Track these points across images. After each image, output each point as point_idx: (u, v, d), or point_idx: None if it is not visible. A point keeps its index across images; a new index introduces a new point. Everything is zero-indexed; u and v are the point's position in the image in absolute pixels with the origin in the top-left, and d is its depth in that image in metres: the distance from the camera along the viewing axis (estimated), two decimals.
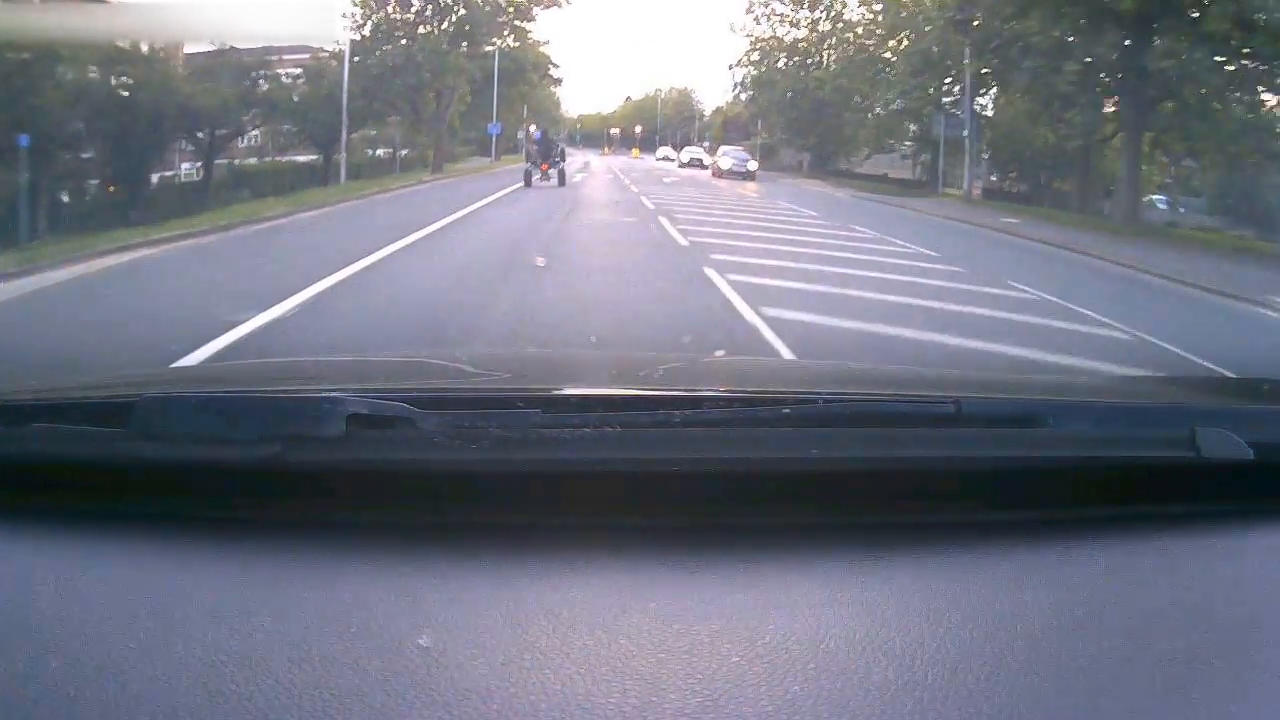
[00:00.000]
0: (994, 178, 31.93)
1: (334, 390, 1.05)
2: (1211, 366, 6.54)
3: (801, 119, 39.54)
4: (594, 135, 65.89)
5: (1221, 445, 1.02)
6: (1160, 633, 0.82)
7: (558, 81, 45.41)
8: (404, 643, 0.77)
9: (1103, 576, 0.91)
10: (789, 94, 39.83)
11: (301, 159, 26.08)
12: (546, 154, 21.23)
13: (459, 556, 0.90)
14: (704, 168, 39.42)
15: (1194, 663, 0.78)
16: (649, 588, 0.86)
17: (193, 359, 5.31)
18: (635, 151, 56.45)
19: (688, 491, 0.98)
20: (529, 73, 39.19)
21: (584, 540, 0.92)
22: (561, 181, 21.32)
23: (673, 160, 48.69)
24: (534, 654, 0.76)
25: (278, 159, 27.15)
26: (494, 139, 39.15)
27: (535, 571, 0.87)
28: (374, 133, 32.49)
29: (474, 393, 1.26)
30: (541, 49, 38.77)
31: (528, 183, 20.54)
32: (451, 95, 31.79)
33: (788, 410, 1.02)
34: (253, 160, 27.24)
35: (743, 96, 45.94)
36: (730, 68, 42.42)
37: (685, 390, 1.26)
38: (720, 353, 5.60)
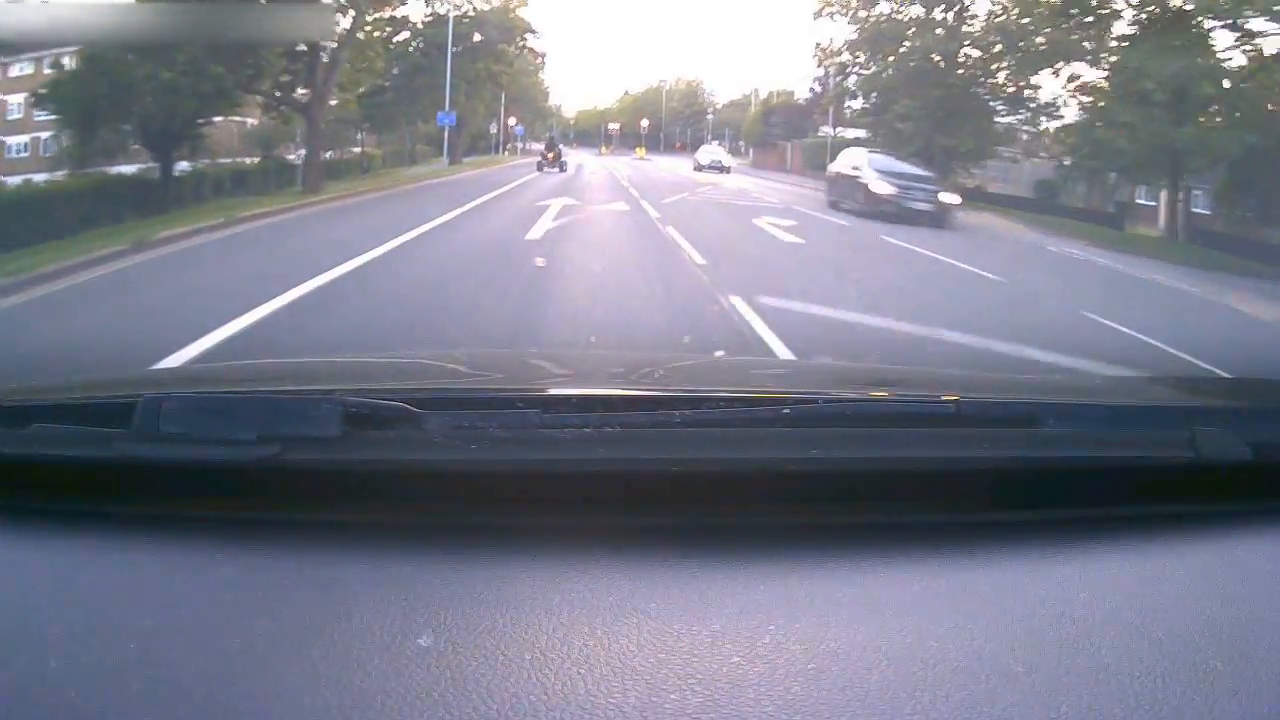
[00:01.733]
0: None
1: (334, 390, 1.05)
2: None
3: (947, 103, 21.50)
4: (589, 133, 53.33)
5: (1221, 445, 1.02)
6: (1161, 633, 0.82)
7: (540, 58, 33.08)
8: (404, 643, 0.77)
9: (1103, 577, 0.91)
10: (912, 63, 22.54)
11: (134, 169, 15.32)
12: (552, 148, 26.85)
13: (459, 556, 0.90)
14: (939, 204, 16.40)
15: (1195, 663, 0.78)
16: (649, 588, 0.86)
17: None
18: (640, 150, 42.74)
19: (688, 491, 0.98)
20: (501, 45, 27.40)
21: (584, 540, 0.92)
22: (563, 170, 25.31)
23: (725, 169, 29.02)
24: (534, 654, 0.76)
25: (82, 172, 15.27)
26: (446, 133, 26.29)
27: (535, 571, 0.87)
28: (250, 122, 20.16)
29: (474, 393, 1.26)
30: (517, 11, 27.16)
31: (540, 169, 24.82)
32: (336, 58, 18.10)
33: (788, 410, 1.02)
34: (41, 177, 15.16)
35: (824, 69, 27.48)
36: (815, 16, 23.54)
37: (685, 390, 1.26)
38: (720, 353, 5.59)
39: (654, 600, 0.84)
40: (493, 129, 36.34)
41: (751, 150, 40.50)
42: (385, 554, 0.89)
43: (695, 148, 41.59)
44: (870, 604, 0.84)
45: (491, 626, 0.79)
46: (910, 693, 0.73)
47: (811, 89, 32.64)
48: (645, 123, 50.69)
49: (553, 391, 1.17)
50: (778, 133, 35.01)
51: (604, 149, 45.50)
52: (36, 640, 0.77)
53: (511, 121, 37.83)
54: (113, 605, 0.82)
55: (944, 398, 1.11)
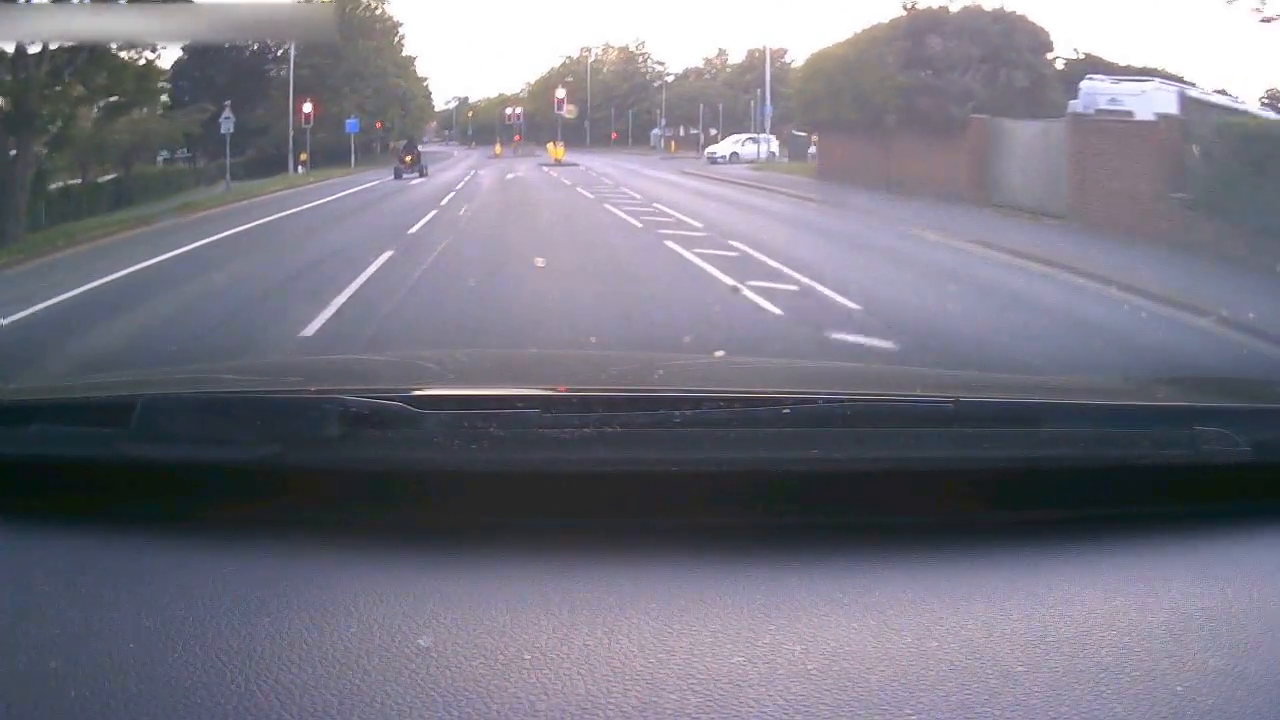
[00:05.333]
0: None
1: (334, 390, 1.05)
2: None
3: None
4: (494, 127, 36.98)
5: (1221, 445, 1.02)
6: (1161, 632, 0.82)
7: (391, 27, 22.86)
8: (404, 643, 0.77)
9: (1103, 577, 0.91)
10: None
11: None
12: (410, 151, 24.49)
13: (459, 556, 0.90)
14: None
15: (1195, 662, 0.78)
16: (649, 588, 0.86)
17: None
18: (556, 149, 27.53)
19: (688, 491, 0.98)
20: None
21: (584, 540, 0.92)
22: (422, 174, 23.09)
23: None
24: (534, 654, 0.76)
25: None
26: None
27: (535, 571, 0.87)
28: None
29: (474, 393, 1.26)
30: None
31: (397, 176, 22.61)
32: None
33: (788, 410, 1.02)
34: None
35: None
36: None
37: (685, 390, 1.26)
38: (720, 353, 5.58)
39: (654, 600, 0.84)
40: (224, 125, 18.85)
41: (814, 142, 21.55)
42: (385, 554, 0.89)
43: (640, 139, 29.44)
44: (870, 604, 0.84)
45: (491, 626, 0.79)
46: (910, 693, 0.73)
47: None
48: (562, 95, 30.71)
49: (553, 391, 1.17)
50: (950, 92, 13.97)
51: (499, 147, 31.71)
52: (36, 640, 0.77)
53: (307, 109, 22.57)
54: (113, 605, 0.82)
55: (944, 398, 1.11)
